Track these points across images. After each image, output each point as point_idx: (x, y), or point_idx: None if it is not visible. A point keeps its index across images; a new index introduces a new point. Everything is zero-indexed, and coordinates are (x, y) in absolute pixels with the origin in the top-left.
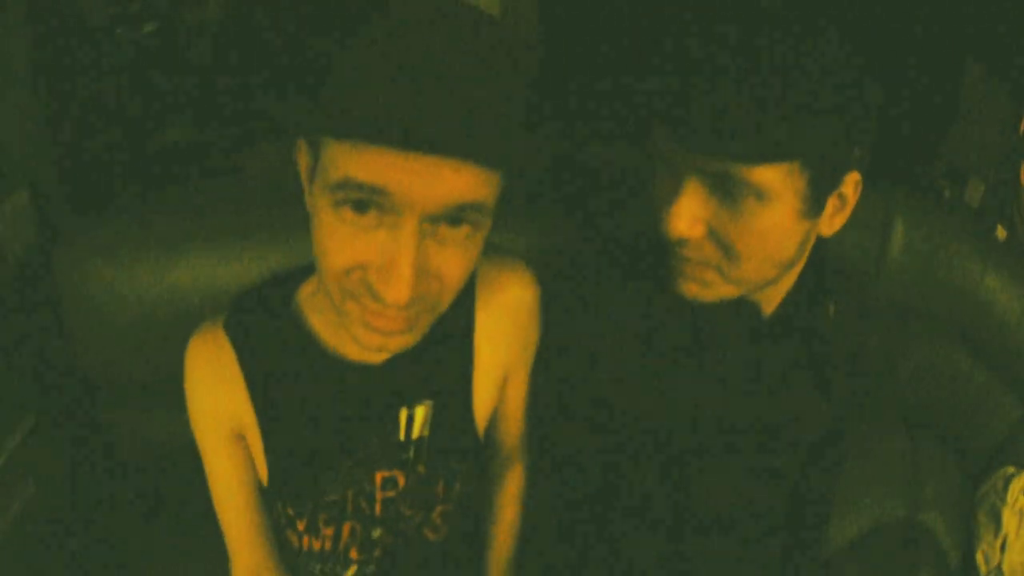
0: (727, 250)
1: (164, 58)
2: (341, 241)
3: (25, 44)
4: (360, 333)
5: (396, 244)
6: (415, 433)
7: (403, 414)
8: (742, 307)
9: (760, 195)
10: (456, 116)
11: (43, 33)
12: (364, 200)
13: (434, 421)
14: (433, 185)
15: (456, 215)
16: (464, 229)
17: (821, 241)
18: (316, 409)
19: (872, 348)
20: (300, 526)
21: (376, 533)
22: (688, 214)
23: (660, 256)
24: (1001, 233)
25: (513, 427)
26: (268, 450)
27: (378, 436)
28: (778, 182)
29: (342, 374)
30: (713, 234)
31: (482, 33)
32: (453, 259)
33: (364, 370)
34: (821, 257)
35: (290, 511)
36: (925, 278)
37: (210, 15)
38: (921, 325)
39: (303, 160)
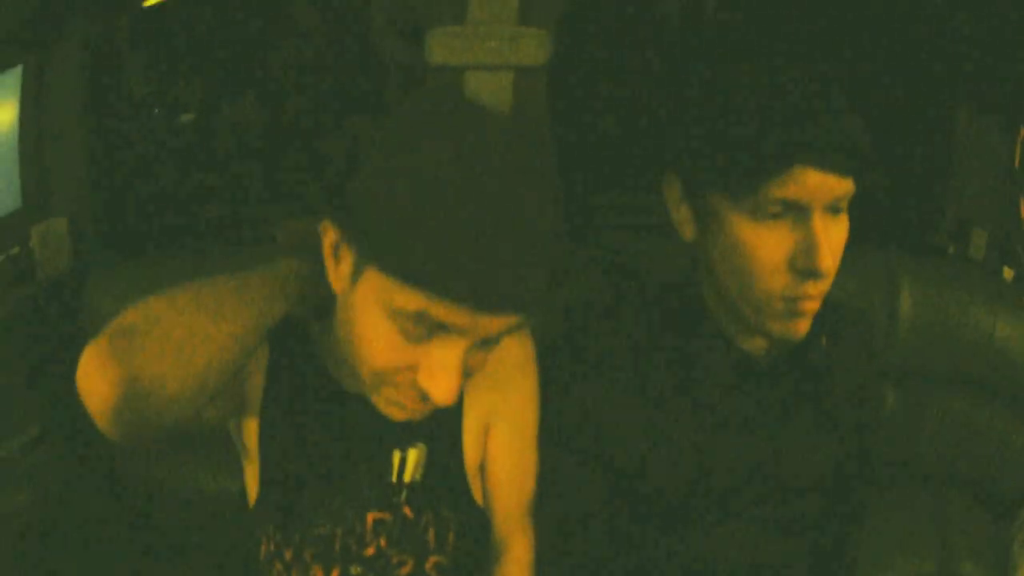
0: (833, 268)
1: (200, 146)
2: (391, 344)
3: (79, 96)
4: (391, 410)
5: (448, 355)
6: (407, 476)
7: (396, 456)
8: (737, 354)
9: (847, 208)
10: (523, 278)
11: (94, 91)
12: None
13: (426, 465)
14: (491, 325)
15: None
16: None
17: None
18: (313, 439)
19: (871, 378)
20: (288, 555)
21: (357, 571)
22: (828, 241)
23: (757, 307)
24: (1008, 274)
25: (509, 491)
26: (263, 468)
27: (370, 476)
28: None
29: (342, 407)
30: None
31: (524, 151)
32: (483, 356)
33: (361, 407)
34: None
35: (279, 537)
36: (937, 336)
37: (248, 111)
38: (938, 383)
39: (329, 238)
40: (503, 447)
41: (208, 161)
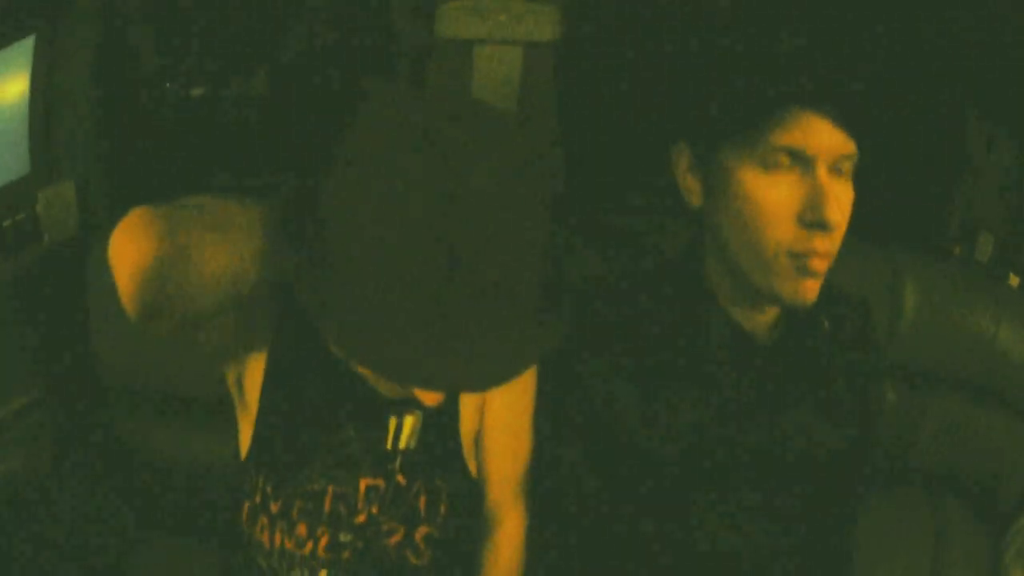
0: (839, 231)
1: (209, 120)
2: None
3: (89, 66)
4: None
5: None
6: (402, 443)
7: (392, 422)
8: (739, 334)
9: (851, 172)
10: (482, 356)
11: (104, 62)
12: None
13: (422, 433)
14: None
15: None
16: None
17: None
18: (313, 399)
19: (873, 368)
20: (274, 508)
21: (346, 538)
22: (835, 196)
23: (766, 267)
24: (1013, 280)
25: (503, 464)
26: (259, 422)
27: (366, 441)
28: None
29: (342, 373)
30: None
31: (502, 198)
32: None
33: (359, 375)
34: None
35: (268, 489)
36: (939, 338)
37: (257, 87)
38: (938, 384)
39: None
40: (499, 419)
41: (217, 134)
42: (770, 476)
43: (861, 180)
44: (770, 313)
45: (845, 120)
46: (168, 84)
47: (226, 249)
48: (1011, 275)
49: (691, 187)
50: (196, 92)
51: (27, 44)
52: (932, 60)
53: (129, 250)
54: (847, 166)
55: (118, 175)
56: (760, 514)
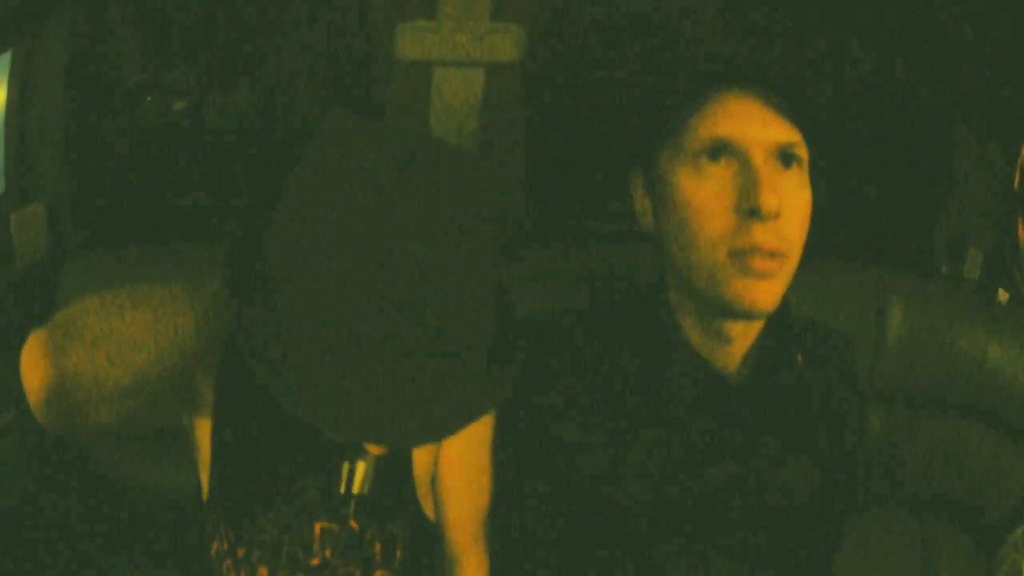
0: (788, 228)
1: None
2: None
3: (63, 81)
4: None
5: None
6: (355, 488)
7: (345, 467)
8: (706, 372)
9: (801, 161)
10: (429, 415)
11: (82, 77)
12: None
13: (374, 479)
14: None
15: None
16: None
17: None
18: (264, 443)
19: (852, 403)
20: (240, 554)
21: None
22: (772, 184)
23: (712, 268)
24: (1003, 296)
25: (460, 506)
26: (213, 468)
27: (319, 485)
28: (804, 149)
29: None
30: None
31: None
32: None
33: None
34: (785, 304)
35: (231, 537)
36: (926, 358)
37: (239, 99)
38: (925, 405)
39: None
40: (455, 460)
41: (196, 150)
42: (740, 520)
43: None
44: (738, 345)
45: (773, 103)
46: (149, 98)
47: (156, 341)
48: (1000, 291)
49: (644, 208)
50: (178, 106)
51: (3, 60)
52: (918, 71)
53: (28, 380)
54: (796, 158)
55: (90, 195)
56: (733, 555)
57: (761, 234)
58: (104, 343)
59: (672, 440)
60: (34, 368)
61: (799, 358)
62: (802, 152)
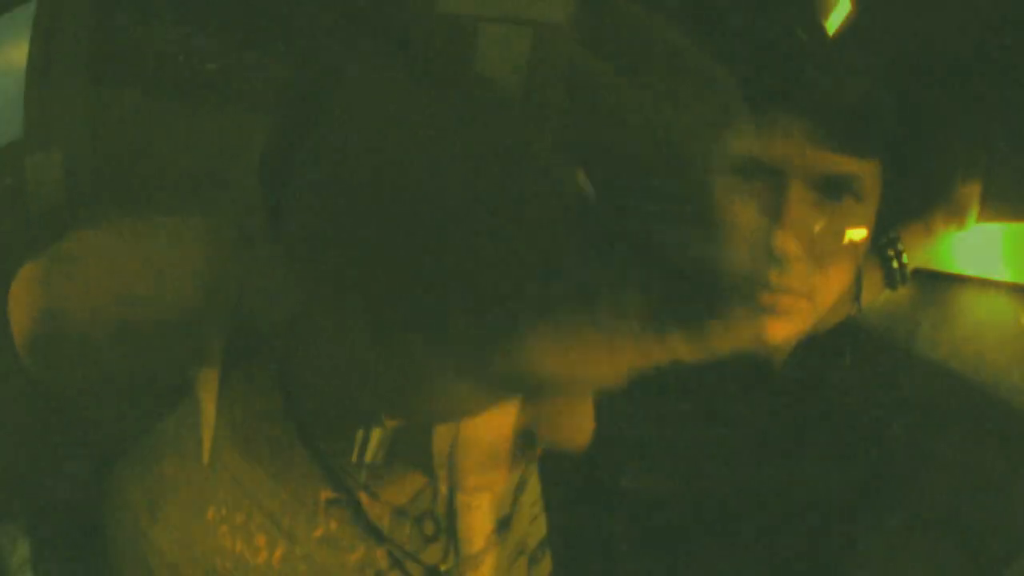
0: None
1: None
2: None
3: (89, 35)
4: None
5: None
6: (368, 456)
7: (359, 435)
8: (751, 361)
9: (859, 195)
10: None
11: (108, 33)
12: None
13: (388, 449)
14: None
15: None
16: None
17: None
18: None
19: (889, 410)
20: (238, 519)
21: (303, 551)
22: (799, 224)
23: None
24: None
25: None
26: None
27: (328, 452)
28: (872, 178)
29: None
30: (810, 247)
31: None
32: None
33: None
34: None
35: (229, 500)
36: (951, 375)
37: (271, 64)
38: (946, 423)
39: None
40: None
41: (229, 114)
42: (771, 520)
43: None
44: None
45: (822, 128)
46: (180, 58)
47: (168, 270)
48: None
49: None
50: (210, 68)
51: (29, 9)
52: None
53: (16, 317)
54: (846, 184)
55: (110, 150)
56: (756, 554)
57: (775, 275)
58: (107, 275)
59: (709, 432)
60: (25, 301)
61: (847, 359)
62: (863, 184)
